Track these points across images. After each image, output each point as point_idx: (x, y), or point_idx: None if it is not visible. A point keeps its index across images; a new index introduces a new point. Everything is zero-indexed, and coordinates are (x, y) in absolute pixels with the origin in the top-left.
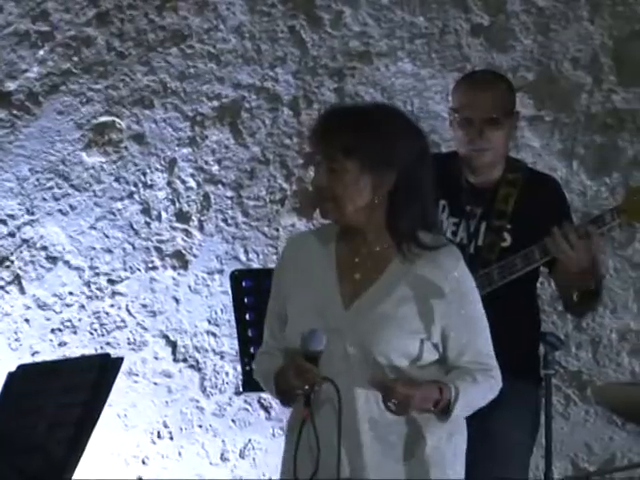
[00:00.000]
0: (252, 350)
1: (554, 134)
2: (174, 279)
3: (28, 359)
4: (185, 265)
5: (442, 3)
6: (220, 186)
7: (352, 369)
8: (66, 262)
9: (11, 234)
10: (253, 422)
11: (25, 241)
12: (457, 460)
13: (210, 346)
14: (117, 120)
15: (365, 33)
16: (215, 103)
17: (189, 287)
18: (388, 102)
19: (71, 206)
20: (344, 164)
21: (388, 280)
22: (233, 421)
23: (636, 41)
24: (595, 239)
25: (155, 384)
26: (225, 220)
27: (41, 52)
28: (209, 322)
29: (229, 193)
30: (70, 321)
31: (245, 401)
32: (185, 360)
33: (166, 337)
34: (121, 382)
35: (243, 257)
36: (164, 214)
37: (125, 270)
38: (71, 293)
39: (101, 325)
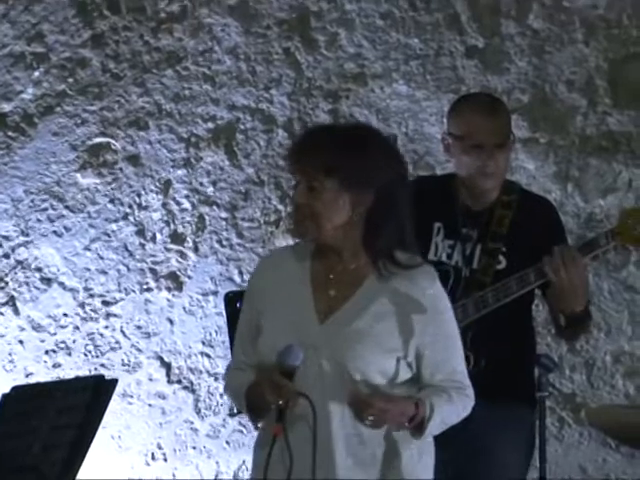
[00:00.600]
0: None
1: (549, 156)
2: (169, 300)
3: (22, 380)
4: (180, 286)
5: (437, 25)
6: (215, 207)
7: (327, 385)
8: (61, 283)
9: (5, 255)
10: (247, 443)
11: (20, 262)
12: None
13: (204, 367)
14: (112, 141)
15: (360, 55)
16: (210, 125)
17: (184, 308)
18: (367, 123)
19: (66, 227)
20: (324, 183)
21: (363, 297)
22: (227, 442)
23: (631, 64)
24: (580, 263)
25: (149, 405)
26: (220, 241)
27: (36, 73)
28: (203, 343)
29: (224, 214)
30: (64, 342)
31: (239, 422)
32: (179, 381)
33: (160, 358)
34: (115, 404)
35: (238, 278)
36: (159, 235)
37: (120, 291)
38: (65, 314)
39: (95, 346)
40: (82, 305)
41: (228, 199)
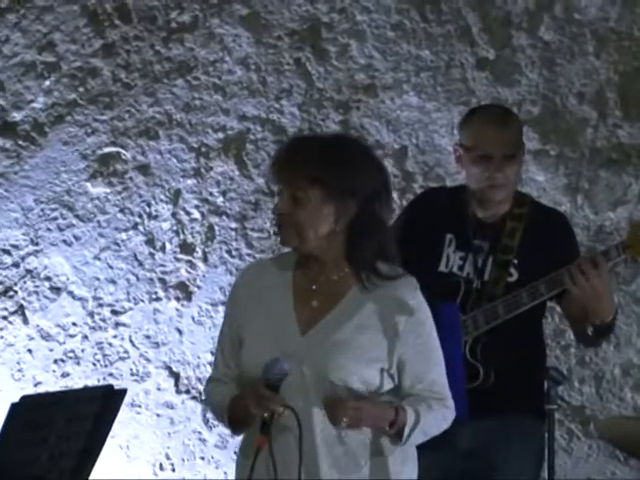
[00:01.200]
0: None
1: (559, 168)
2: (178, 310)
3: (31, 390)
4: (189, 296)
5: (448, 37)
6: (224, 217)
7: (310, 396)
8: (70, 292)
9: (15, 264)
10: None
11: (29, 271)
12: None
13: None
14: (122, 151)
15: (371, 66)
16: (220, 135)
17: (193, 318)
18: (349, 134)
19: (75, 237)
20: (308, 192)
21: (346, 308)
22: (235, 453)
23: None
24: (604, 268)
25: (158, 415)
26: (229, 251)
27: (47, 83)
28: (212, 354)
29: (233, 225)
30: (73, 352)
31: None
32: (188, 391)
33: (169, 368)
34: (124, 413)
35: None
36: (168, 245)
37: (129, 301)
38: (74, 324)
39: (104, 356)
40: (91, 314)
41: (238, 209)
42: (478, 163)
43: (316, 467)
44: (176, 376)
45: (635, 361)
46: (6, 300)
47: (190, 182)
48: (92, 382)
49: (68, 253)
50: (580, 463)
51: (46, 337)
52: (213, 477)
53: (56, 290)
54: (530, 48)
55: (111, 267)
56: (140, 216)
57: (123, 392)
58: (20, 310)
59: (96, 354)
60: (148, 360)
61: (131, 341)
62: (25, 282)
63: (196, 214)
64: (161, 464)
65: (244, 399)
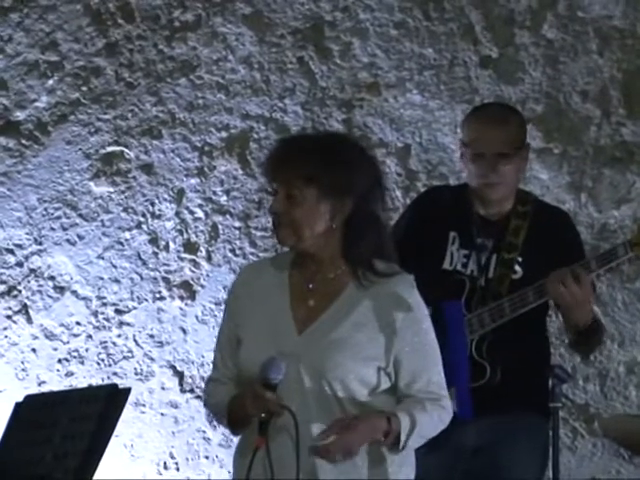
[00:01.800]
0: None
1: (562, 167)
2: (181, 309)
3: (35, 389)
4: (193, 295)
5: (451, 35)
6: (228, 216)
7: (307, 395)
8: (74, 292)
9: (19, 264)
10: None
11: (33, 271)
12: None
13: None
14: (125, 150)
15: (374, 64)
16: (223, 134)
17: (196, 317)
18: (343, 132)
19: (79, 236)
20: (303, 191)
21: (342, 306)
22: None
23: None
24: (585, 280)
25: (162, 415)
26: (233, 250)
27: (50, 82)
28: None
29: (237, 224)
30: (77, 351)
31: None
32: (192, 391)
33: (173, 367)
34: (128, 412)
35: None
36: (172, 244)
37: (132, 300)
38: (78, 323)
39: (108, 355)
40: (95, 314)
41: (241, 208)
42: (474, 161)
43: (313, 467)
44: (180, 375)
45: (639, 359)
46: (10, 299)
47: (194, 181)
48: (96, 381)
49: (72, 252)
50: (584, 461)
51: (50, 336)
52: (217, 476)
53: (60, 289)
54: (533, 46)
55: (115, 266)
56: (144, 215)
57: (127, 391)
58: (24, 309)
59: (100, 353)
60: (152, 359)
61: (135, 340)
62: (29, 281)
63: (200, 213)
64: (165, 463)
65: (242, 399)
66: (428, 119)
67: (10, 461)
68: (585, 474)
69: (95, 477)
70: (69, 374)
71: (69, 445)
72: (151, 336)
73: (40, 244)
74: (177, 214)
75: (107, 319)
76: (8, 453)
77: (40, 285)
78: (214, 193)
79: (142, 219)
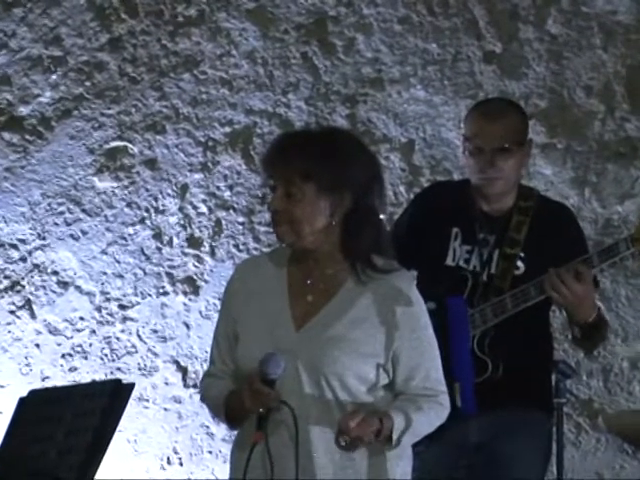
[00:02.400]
0: None
1: (566, 162)
2: (185, 305)
3: (38, 384)
4: (196, 291)
5: (455, 30)
6: (232, 212)
7: (305, 391)
8: (77, 287)
9: (22, 259)
10: None
11: (36, 266)
12: None
13: None
14: (129, 145)
15: (378, 59)
16: (227, 129)
17: (200, 313)
18: (340, 127)
19: (82, 231)
20: (302, 188)
21: (341, 302)
22: None
23: None
24: (586, 277)
25: (165, 410)
26: (236, 246)
27: (54, 77)
28: None
29: (240, 219)
30: (81, 346)
31: None
32: (196, 386)
33: (177, 363)
34: (131, 408)
35: None
36: (175, 240)
37: (136, 295)
38: (82, 318)
39: (112, 350)
40: (98, 309)
41: (245, 203)
42: (473, 155)
43: (311, 462)
44: (184, 370)
45: None
46: (13, 295)
47: (197, 176)
48: (100, 376)
49: (75, 248)
50: (588, 457)
51: (54, 331)
52: (221, 471)
53: (63, 284)
54: (537, 41)
55: (118, 262)
56: (147, 210)
57: (131, 386)
58: (27, 305)
59: (104, 348)
60: (156, 354)
61: (139, 335)
62: (32, 277)
63: (203, 208)
64: (169, 458)
65: (241, 394)
66: (432, 114)
67: (14, 456)
68: (589, 469)
69: (99, 472)
70: (73, 369)
71: (73, 440)
72: (155, 331)
73: (44, 239)
74: (181, 209)
75: (111, 314)
76: (12, 448)
77: (44, 280)
78: (218, 188)
79: (146, 214)
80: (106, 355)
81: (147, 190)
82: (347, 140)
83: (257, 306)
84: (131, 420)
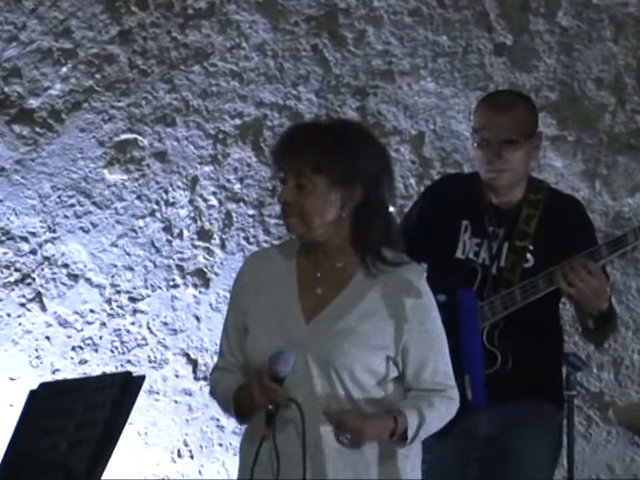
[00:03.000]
0: None
1: (577, 154)
2: (195, 297)
3: (49, 377)
4: (206, 283)
5: (465, 22)
6: (242, 204)
7: (314, 385)
8: (87, 280)
9: (32, 251)
10: None
11: (46, 258)
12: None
13: None
14: (139, 138)
15: (388, 52)
16: (237, 121)
17: (210, 305)
18: (351, 119)
19: (93, 223)
20: (313, 180)
21: (350, 295)
22: None
23: None
24: (594, 269)
25: (176, 402)
26: (247, 238)
27: (64, 69)
28: None
29: (251, 211)
30: (91, 339)
31: None
32: (206, 378)
33: (187, 355)
34: (142, 400)
35: None
36: (186, 232)
37: (146, 288)
38: (92, 311)
39: (122, 343)
40: (109, 301)
41: (255, 196)
42: (480, 147)
43: (321, 459)
44: (194, 363)
45: None
46: (24, 287)
47: (207, 169)
48: (110, 369)
49: (85, 240)
50: (599, 449)
51: (64, 324)
52: (231, 464)
53: (74, 277)
54: (548, 33)
55: (128, 254)
56: (157, 203)
57: (141, 379)
58: (38, 297)
59: (114, 341)
60: (166, 347)
61: (149, 328)
62: (42, 269)
63: (213, 201)
64: (179, 451)
65: (250, 389)
66: (442, 106)
67: (25, 449)
68: (599, 462)
69: (109, 465)
70: (83, 362)
71: (83, 433)
72: (165, 324)
73: (54, 232)
74: (191, 202)
75: (121, 307)
76: (23, 441)
77: (54, 273)
78: (228, 181)
79: (156, 207)
80: (116, 348)
81: (157, 183)
82: (357, 132)
83: (267, 298)
84: (141, 413)
